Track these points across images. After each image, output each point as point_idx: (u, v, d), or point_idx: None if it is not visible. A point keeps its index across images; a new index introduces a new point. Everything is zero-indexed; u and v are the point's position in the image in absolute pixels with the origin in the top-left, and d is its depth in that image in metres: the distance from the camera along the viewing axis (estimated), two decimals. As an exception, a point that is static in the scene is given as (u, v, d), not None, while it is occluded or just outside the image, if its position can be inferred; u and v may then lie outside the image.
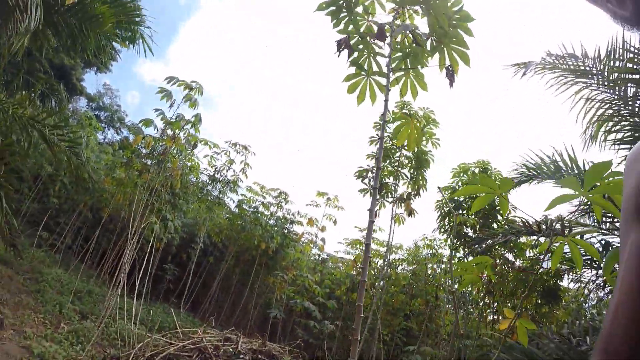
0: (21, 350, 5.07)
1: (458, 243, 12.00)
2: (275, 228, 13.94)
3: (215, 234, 14.33)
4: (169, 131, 9.43)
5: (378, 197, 10.13)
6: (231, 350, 6.94)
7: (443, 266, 12.57)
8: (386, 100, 4.47)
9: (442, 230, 11.89)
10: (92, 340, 6.25)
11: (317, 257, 15.08)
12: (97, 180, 11.41)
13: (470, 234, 10.42)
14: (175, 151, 10.02)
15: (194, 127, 9.54)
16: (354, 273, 13.36)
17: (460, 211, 11.32)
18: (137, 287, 8.09)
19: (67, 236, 12.81)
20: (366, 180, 10.08)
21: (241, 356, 6.73)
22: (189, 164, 11.75)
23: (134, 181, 10.77)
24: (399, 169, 9.99)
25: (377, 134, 10.03)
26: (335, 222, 13.42)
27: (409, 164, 10.00)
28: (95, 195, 13.13)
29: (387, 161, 10.21)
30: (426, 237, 12.60)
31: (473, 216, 11.10)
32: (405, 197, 9.98)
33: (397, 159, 10.07)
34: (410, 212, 9.85)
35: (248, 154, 13.18)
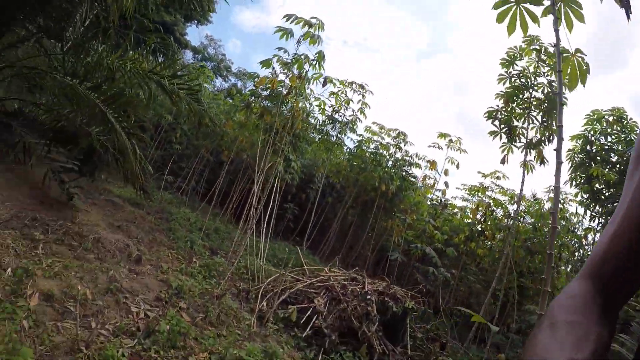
0: (159, 283, 5.11)
1: (590, 200, 10.59)
2: (394, 170, 13.31)
3: (333, 175, 14.02)
4: (294, 70, 8.98)
5: (506, 140, 9.06)
6: (358, 290, 6.64)
7: (564, 223, 11.29)
8: (557, 30, 3.80)
9: (574, 183, 10.67)
10: (226, 276, 6.26)
11: (437, 201, 14.23)
12: (218, 124, 11.65)
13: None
14: (295, 91, 9.61)
15: (318, 64, 8.95)
16: (474, 222, 12.40)
17: (593, 164, 9.96)
18: (263, 225, 8.00)
19: (191, 179, 13.35)
20: (496, 122, 9.01)
21: (368, 296, 6.40)
22: (314, 103, 11.38)
23: (255, 123, 10.67)
24: (529, 111, 8.68)
25: (505, 72, 8.85)
26: (458, 166, 12.38)
27: (541, 107, 8.62)
28: (217, 139, 13.42)
29: (515, 103, 8.92)
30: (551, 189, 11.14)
31: (608, 170, 9.72)
32: (535, 143, 8.71)
33: (527, 99, 8.72)
34: (542, 160, 8.57)
35: (365, 92, 12.42)
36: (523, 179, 8.52)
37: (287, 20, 8.49)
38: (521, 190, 8.78)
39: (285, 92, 9.59)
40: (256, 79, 10.54)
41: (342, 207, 13.57)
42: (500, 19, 3.99)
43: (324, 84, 9.88)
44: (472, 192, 13.12)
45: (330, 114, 12.84)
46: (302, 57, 8.97)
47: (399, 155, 13.49)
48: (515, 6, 3.88)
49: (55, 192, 6.07)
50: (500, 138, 8.97)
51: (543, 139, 8.62)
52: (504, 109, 8.95)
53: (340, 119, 12.96)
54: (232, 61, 31.25)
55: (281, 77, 9.43)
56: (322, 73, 9.40)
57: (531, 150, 8.63)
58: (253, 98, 10.85)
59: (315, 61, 9.03)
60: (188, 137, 14.79)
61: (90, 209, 6.63)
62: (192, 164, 13.64)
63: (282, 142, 9.87)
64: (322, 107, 12.03)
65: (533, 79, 8.57)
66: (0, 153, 6.09)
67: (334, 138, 13.46)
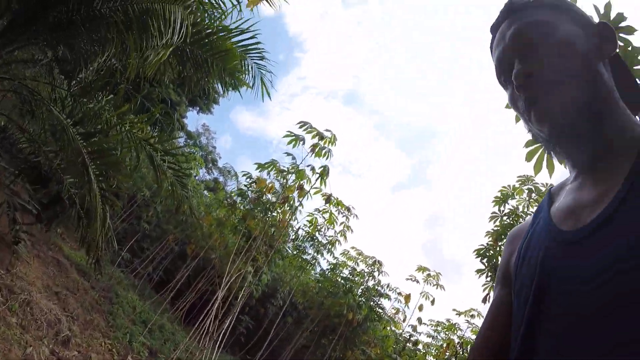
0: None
1: None
2: (363, 299, 12.58)
3: (299, 294, 13.08)
4: (291, 179, 8.69)
5: (490, 279, 8.66)
6: None
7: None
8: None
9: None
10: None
11: (406, 337, 13.31)
12: (197, 215, 10.92)
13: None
14: (289, 202, 9.22)
15: (322, 179, 8.66)
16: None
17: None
18: (214, 336, 7.09)
19: (149, 264, 12.32)
20: (485, 260, 8.71)
21: None
22: (303, 218, 10.89)
23: (234, 225, 10.05)
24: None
25: (498, 210, 8.75)
26: (433, 302, 11.79)
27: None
28: (188, 230, 12.64)
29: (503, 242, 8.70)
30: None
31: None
32: None
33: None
34: None
35: (350, 215, 12.03)
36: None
37: (300, 127, 8.28)
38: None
39: (274, 200, 9.22)
40: (249, 179, 10.05)
41: (302, 330, 12.48)
42: (529, 157, 3.97)
43: (327, 201, 9.50)
44: (438, 330, 12.49)
45: (309, 230, 12.28)
46: (309, 167, 8.65)
47: (370, 283, 12.89)
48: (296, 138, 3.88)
49: (2, 228, 5.14)
50: (487, 276, 8.60)
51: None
52: (492, 248, 8.72)
53: (320, 239, 12.40)
54: (220, 155, 31.44)
55: (275, 183, 9.15)
56: (322, 189, 9.05)
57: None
58: (239, 198, 10.37)
59: (318, 175, 8.72)
60: (159, 219, 13.96)
61: (33, 262, 5.68)
62: (155, 248, 12.65)
63: (257, 251, 9.27)
64: (314, 223, 11.48)
65: (524, 217, 8.47)
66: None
67: (310, 257, 12.82)
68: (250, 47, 6.78)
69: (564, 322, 0.60)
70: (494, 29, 0.85)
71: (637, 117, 0.79)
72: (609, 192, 0.64)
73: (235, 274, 8.31)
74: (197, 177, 26.59)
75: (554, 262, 0.66)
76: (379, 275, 12.83)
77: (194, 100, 19.58)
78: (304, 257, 12.77)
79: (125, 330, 6.57)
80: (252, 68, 7.01)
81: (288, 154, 8.77)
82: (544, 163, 4.07)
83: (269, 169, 9.15)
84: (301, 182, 8.89)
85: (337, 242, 12.27)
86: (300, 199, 9.44)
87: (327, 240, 12.33)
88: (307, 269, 13.04)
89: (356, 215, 11.89)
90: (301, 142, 8.53)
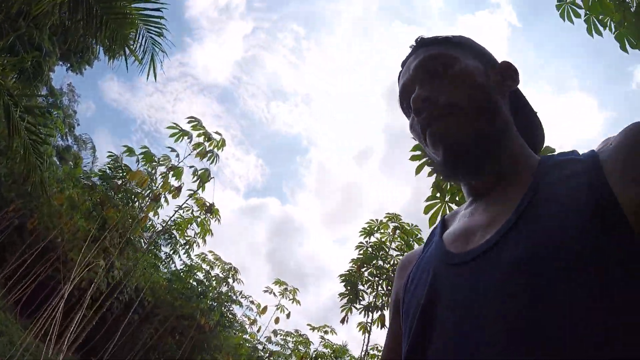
0: None
1: None
2: (215, 303, 12.41)
3: (149, 293, 12.30)
4: (173, 178, 8.14)
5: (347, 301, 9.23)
6: None
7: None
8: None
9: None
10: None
11: (262, 348, 13.41)
12: (48, 192, 9.41)
13: None
14: (159, 199, 8.64)
15: (202, 183, 8.26)
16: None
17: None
18: (55, 333, 6.45)
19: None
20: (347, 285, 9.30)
21: None
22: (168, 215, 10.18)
23: (89, 210, 9.11)
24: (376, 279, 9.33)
25: (364, 241, 9.42)
26: (288, 316, 12.09)
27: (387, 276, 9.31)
28: (33, 203, 11.10)
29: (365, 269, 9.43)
30: None
31: None
32: (379, 307, 9.19)
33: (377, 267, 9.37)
34: (383, 324, 8.95)
35: (212, 216, 11.54)
36: (365, 338, 8.96)
37: (189, 122, 7.91)
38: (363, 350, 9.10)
39: (138, 191, 8.64)
40: (114, 162, 9.16)
41: (152, 330, 11.84)
42: (426, 210, 4.50)
43: (209, 211, 9.15)
44: (287, 340, 12.89)
45: (168, 226, 11.53)
46: (191, 169, 8.31)
47: (224, 289, 12.78)
48: (441, 204, 4.44)
49: None
50: (349, 301, 9.13)
51: (384, 304, 9.04)
52: (354, 274, 9.32)
53: (178, 237, 11.81)
54: (79, 122, 27.95)
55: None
56: (199, 193, 8.73)
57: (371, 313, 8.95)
58: (100, 181, 9.47)
59: (198, 179, 8.43)
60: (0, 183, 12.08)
61: None
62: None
63: (110, 243, 8.62)
64: (180, 224, 10.86)
65: (387, 250, 9.31)
66: None
67: (164, 254, 12.24)
68: (151, 19, 6.19)
69: (452, 323, 0.63)
70: (403, 63, 0.90)
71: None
72: (501, 217, 0.67)
73: (84, 266, 7.65)
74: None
75: (444, 281, 0.68)
76: (233, 282, 12.81)
77: (66, 55, 17.29)
78: (159, 253, 12.14)
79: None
80: (146, 41, 6.38)
81: (173, 150, 8.29)
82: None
83: (142, 159, 8.49)
84: (180, 183, 8.47)
85: (194, 244, 11.77)
86: (174, 198, 8.96)
87: (185, 240, 11.80)
88: (160, 267, 12.43)
89: (218, 219, 11.44)
90: (187, 139, 8.17)
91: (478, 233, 0.69)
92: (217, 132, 8.28)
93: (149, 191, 8.74)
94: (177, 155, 8.40)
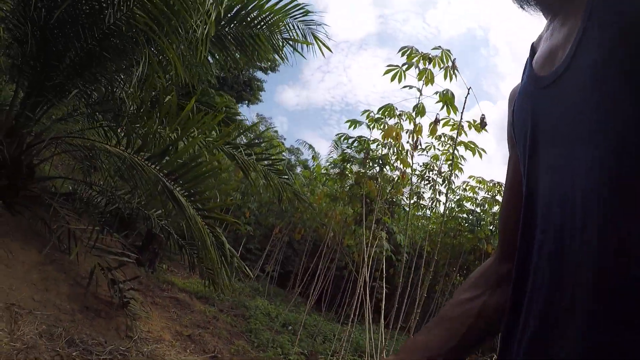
0: None
1: None
2: (493, 227, 11.50)
3: (426, 243, 12.00)
4: (408, 123, 7.31)
5: None
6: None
7: None
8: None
9: None
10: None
11: None
12: (305, 199, 9.67)
13: None
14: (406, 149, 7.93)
15: (448, 106, 6.88)
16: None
17: None
18: (367, 313, 6.52)
19: (264, 263, 11.98)
20: None
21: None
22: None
23: (349, 193, 9.00)
24: None
25: None
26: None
27: None
28: (288, 217, 12.05)
29: None
30: None
31: None
32: None
33: None
34: None
35: (457, 144, 10.04)
36: None
37: (402, 55, 6.52)
38: None
39: (385, 151, 7.73)
40: (346, 140, 8.68)
41: (438, 278, 11.67)
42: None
43: (483, 125, 7.27)
44: None
45: (421, 172, 10.73)
46: (446, 92, 6.74)
47: (496, 209, 11.63)
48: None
49: (104, 293, 4.57)
50: None
51: None
52: None
53: (434, 177, 10.94)
54: (285, 137, 30.79)
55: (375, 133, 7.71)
56: (451, 118, 7.11)
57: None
58: (346, 164, 9.11)
59: (443, 104, 6.82)
60: (256, 217, 13.52)
61: (151, 313, 5.12)
62: (263, 245, 12.29)
63: (378, 213, 8.03)
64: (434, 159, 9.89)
65: None
66: (42, 240, 4.77)
67: (428, 202, 11.65)
68: (289, 8, 5.89)
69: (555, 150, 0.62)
70: None
71: None
72: (576, 29, 0.61)
73: (370, 247, 7.60)
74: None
75: (541, 105, 0.67)
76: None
77: (240, 96, 19.04)
78: (422, 203, 11.64)
79: (273, 344, 6.02)
80: (298, 27, 6.21)
81: (407, 86, 6.85)
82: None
83: (384, 113, 7.33)
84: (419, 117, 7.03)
85: (454, 176, 10.62)
86: (431, 138, 7.89)
87: (440, 177, 10.87)
88: (428, 215, 11.93)
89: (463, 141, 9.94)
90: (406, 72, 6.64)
91: (560, 51, 0.65)
92: (435, 48, 6.78)
93: (393, 148, 8.01)
94: (411, 87, 6.96)
